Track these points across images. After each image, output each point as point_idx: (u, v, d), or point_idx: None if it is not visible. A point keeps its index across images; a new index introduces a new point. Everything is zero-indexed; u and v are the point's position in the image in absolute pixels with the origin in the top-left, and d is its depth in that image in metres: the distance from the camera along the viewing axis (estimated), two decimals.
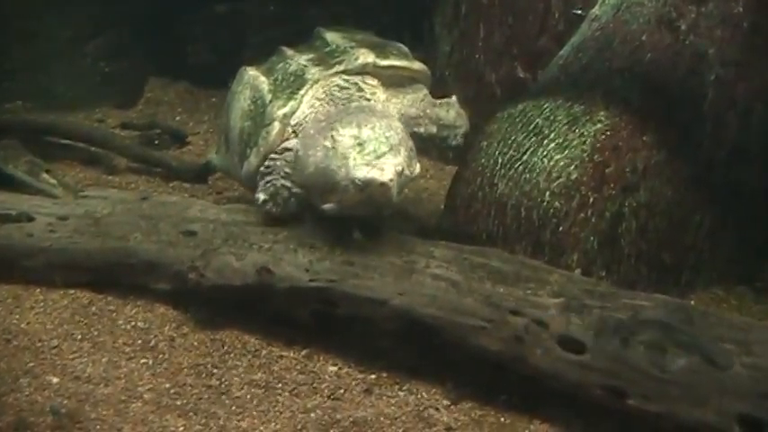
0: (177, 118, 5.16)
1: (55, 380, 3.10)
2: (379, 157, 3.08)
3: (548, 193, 3.44)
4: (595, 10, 3.90)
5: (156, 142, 4.71)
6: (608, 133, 3.55)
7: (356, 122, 3.19)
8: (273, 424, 2.96)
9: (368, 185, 3.03)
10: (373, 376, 3.18)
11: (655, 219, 3.58)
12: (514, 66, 4.69)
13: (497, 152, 3.55)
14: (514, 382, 3.05)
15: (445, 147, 3.74)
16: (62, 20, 5.23)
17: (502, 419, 3.03)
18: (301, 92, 3.45)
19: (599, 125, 3.56)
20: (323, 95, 3.45)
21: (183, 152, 4.75)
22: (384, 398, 3.09)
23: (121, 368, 3.18)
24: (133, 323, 3.40)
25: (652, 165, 3.58)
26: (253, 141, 3.47)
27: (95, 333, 3.35)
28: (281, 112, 3.42)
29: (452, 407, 3.06)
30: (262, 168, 3.41)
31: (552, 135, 3.53)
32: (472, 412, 3.05)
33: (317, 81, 3.47)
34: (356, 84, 3.49)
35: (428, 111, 3.64)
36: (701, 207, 3.69)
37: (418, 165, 3.30)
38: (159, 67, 5.51)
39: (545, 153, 3.49)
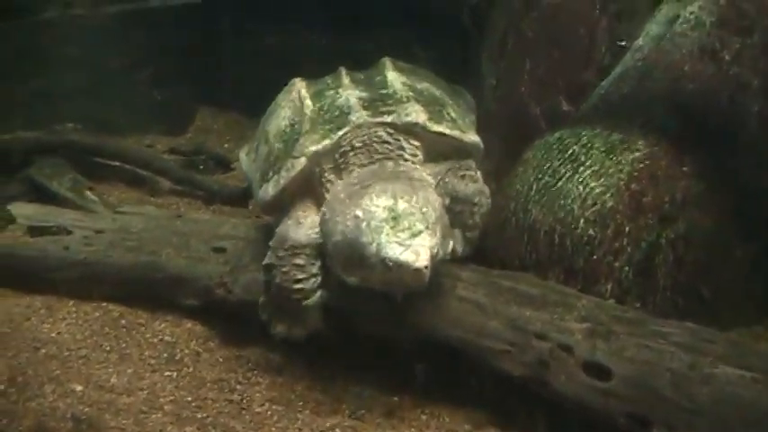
0: (225, 145, 5.20)
1: (79, 388, 3.10)
2: (414, 236, 2.77)
3: (582, 221, 3.37)
4: (639, 41, 3.85)
5: (201, 167, 4.76)
6: (646, 162, 3.46)
7: (392, 192, 2.89)
8: None
9: (399, 269, 2.74)
10: (396, 398, 3.12)
11: (693, 250, 3.48)
12: (559, 99, 4.61)
13: (532, 178, 3.49)
14: (538, 409, 2.97)
15: (459, 224, 3.18)
16: (116, 48, 5.31)
17: None
18: (340, 133, 3.14)
19: (637, 153, 3.48)
20: (360, 144, 3.15)
21: (227, 177, 4.78)
22: (405, 420, 3.03)
23: (145, 379, 3.17)
24: (160, 337, 3.40)
25: (691, 195, 3.48)
26: (277, 167, 3.21)
27: (123, 345, 3.35)
28: (312, 149, 3.14)
29: (474, 431, 2.99)
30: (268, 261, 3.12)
31: (588, 162, 3.46)
32: None
33: (359, 126, 3.15)
34: (399, 141, 3.17)
35: (446, 179, 3.20)
36: (742, 240, 3.59)
37: (451, 243, 3.08)
38: (210, 97, 5.56)
39: (581, 180, 3.42)
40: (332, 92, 3.37)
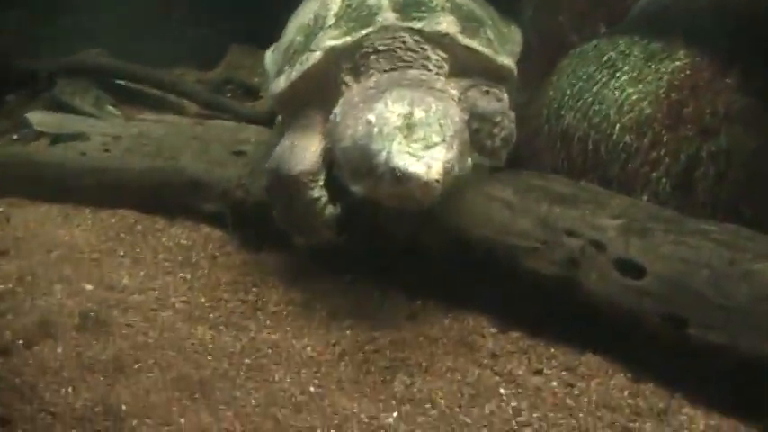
0: (255, 79, 5.05)
1: (89, 287, 3.00)
2: (428, 148, 2.56)
3: (618, 127, 3.18)
4: None
5: (229, 95, 4.61)
6: (687, 72, 3.26)
7: (410, 99, 2.67)
8: (306, 339, 2.78)
9: (409, 180, 2.51)
10: (419, 302, 2.95)
11: (735, 167, 3.26)
12: (599, 27, 4.43)
13: (566, 84, 3.31)
14: (568, 313, 2.78)
15: (477, 145, 2.93)
16: None
17: (551, 350, 2.76)
18: (363, 32, 2.92)
19: (678, 63, 3.28)
20: (384, 48, 2.92)
21: (255, 104, 4.64)
22: (428, 323, 2.86)
23: (158, 280, 3.07)
24: (176, 241, 3.29)
25: (734, 110, 3.26)
26: (294, 60, 3.01)
27: (138, 250, 3.25)
28: (330, 44, 2.93)
29: (500, 335, 2.82)
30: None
31: (626, 68, 3.27)
32: (520, 341, 2.80)
33: (385, 29, 2.92)
34: (425, 50, 2.94)
35: (468, 93, 2.96)
36: None
37: (470, 160, 2.80)
38: (242, 35, 5.42)
39: (617, 86, 3.23)
40: None
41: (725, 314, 2.52)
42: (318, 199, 2.93)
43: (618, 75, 3.26)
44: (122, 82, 4.47)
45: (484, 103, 2.95)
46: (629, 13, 3.74)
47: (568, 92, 3.29)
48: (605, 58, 3.33)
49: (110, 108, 3.84)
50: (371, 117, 2.65)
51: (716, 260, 2.58)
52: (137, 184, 3.38)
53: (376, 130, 2.62)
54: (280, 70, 3.09)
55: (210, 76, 5.00)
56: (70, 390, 2.49)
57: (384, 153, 2.56)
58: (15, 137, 3.68)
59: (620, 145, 3.17)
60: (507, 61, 3.10)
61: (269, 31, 5.38)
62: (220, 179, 3.25)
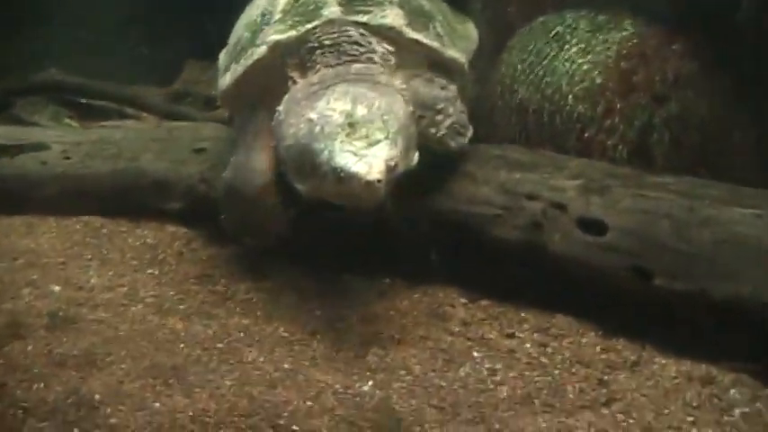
0: (213, 92, 5.02)
1: (57, 288, 2.95)
2: (370, 146, 2.48)
3: (570, 97, 3.20)
4: None
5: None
6: (634, 41, 3.29)
7: (352, 96, 2.61)
8: (277, 322, 2.76)
9: (351, 180, 2.44)
10: (387, 281, 2.94)
11: (689, 132, 3.29)
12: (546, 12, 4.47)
13: (517, 60, 3.34)
14: (535, 278, 2.78)
15: (423, 135, 2.81)
16: (105, 7, 5.20)
17: (522, 315, 2.77)
18: (308, 26, 2.85)
19: (625, 33, 3.32)
20: (329, 42, 2.85)
21: (214, 113, 4.60)
22: (397, 299, 2.85)
23: (126, 277, 3.02)
24: (143, 241, 3.25)
25: (683, 75, 3.30)
26: (239, 57, 2.96)
27: (104, 252, 3.20)
28: (274, 38, 2.87)
29: (470, 304, 2.82)
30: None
31: (574, 41, 3.30)
32: (490, 309, 2.80)
33: (331, 22, 2.86)
34: (370, 44, 2.87)
35: (411, 83, 2.87)
36: (742, 124, 3.40)
37: (417, 154, 2.71)
38: (199, 51, 5.41)
39: (567, 57, 3.26)
40: None
41: (689, 261, 2.53)
42: (276, 205, 2.90)
43: (567, 47, 3.29)
44: (81, 100, 4.42)
45: (426, 90, 2.90)
46: None
47: (519, 67, 3.32)
48: (553, 32, 3.37)
49: (67, 121, 3.81)
50: (313, 115, 2.59)
51: (676, 209, 2.59)
52: (100, 187, 3.34)
53: (318, 128, 2.55)
54: (227, 67, 3.06)
55: (168, 90, 4.97)
56: (42, 385, 2.42)
57: (326, 152, 2.50)
58: None
59: (575, 115, 3.19)
60: (456, 54, 3.03)
61: (222, 46, 5.41)
62: (183, 177, 3.23)
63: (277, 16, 2.96)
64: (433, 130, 2.88)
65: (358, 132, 2.51)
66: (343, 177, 2.45)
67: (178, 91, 4.80)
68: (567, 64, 3.24)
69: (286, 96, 2.80)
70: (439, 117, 2.89)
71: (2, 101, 4.23)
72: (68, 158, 3.40)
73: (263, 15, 3.03)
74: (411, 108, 2.76)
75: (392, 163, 2.49)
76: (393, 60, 2.89)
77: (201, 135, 3.35)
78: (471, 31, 3.49)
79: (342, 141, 2.49)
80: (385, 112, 2.58)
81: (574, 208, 2.70)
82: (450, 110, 2.91)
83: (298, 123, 2.63)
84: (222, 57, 3.34)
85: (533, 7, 4.47)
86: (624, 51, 3.27)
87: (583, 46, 3.28)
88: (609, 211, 2.66)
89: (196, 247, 3.18)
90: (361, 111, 2.55)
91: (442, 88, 2.94)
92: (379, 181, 2.42)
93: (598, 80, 3.21)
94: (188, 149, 3.31)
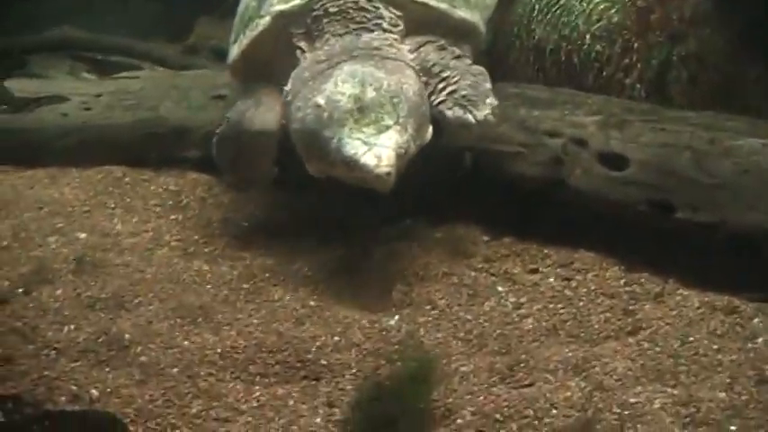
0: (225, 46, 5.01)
1: (82, 235, 2.95)
2: (380, 132, 2.41)
3: (588, 36, 3.17)
4: None
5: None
6: None
7: (360, 77, 2.50)
8: (300, 263, 2.75)
9: (360, 170, 2.39)
10: (408, 221, 2.92)
11: (706, 70, 3.25)
12: None
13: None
14: (556, 214, 2.77)
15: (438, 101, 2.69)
16: None
17: (544, 251, 2.76)
18: None
19: None
20: (335, 10, 2.71)
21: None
22: (420, 238, 2.84)
23: (150, 223, 3.03)
24: (165, 188, 3.24)
25: (700, 14, 3.26)
26: (246, 28, 2.84)
27: (127, 200, 3.20)
28: (278, 8, 2.75)
29: (492, 241, 2.82)
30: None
31: None
32: (513, 246, 2.80)
33: None
34: (378, 9, 2.73)
35: (420, 50, 2.75)
36: (758, 62, 3.36)
37: (431, 129, 2.62)
38: (209, 7, 5.39)
39: None
40: None
41: (710, 192, 2.52)
42: (270, 154, 2.84)
43: None
44: (96, 55, 4.40)
45: (436, 57, 2.73)
46: None
47: (536, 6, 3.28)
48: None
49: (85, 74, 3.80)
50: (321, 100, 2.50)
51: (696, 141, 2.58)
52: (120, 137, 3.33)
53: (326, 114, 2.47)
54: (235, 38, 2.93)
55: (182, 45, 4.95)
56: (72, 327, 2.44)
57: (335, 140, 2.44)
58: None
59: (592, 54, 3.16)
60: (467, 15, 2.84)
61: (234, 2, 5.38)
62: (203, 123, 3.21)
63: None
64: (445, 98, 2.69)
65: (367, 117, 2.44)
66: (352, 166, 2.40)
67: (192, 45, 4.76)
68: (584, 3, 3.21)
69: (293, 74, 2.69)
70: (441, 85, 2.71)
71: (17, 58, 4.18)
72: (88, 109, 3.39)
73: None
74: (422, 80, 2.66)
75: (402, 150, 2.43)
76: (401, 26, 2.77)
77: (219, 82, 3.32)
78: None
79: (351, 128, 2.43)
80: (394, 94, 2.49)
81: (594, 143, 2.69)
82: (461, 81, 2.70)
83: (305, 107, 2.55)
84: (234, 25, 3.27)
85: None
86: None
87: None
88: (629, 146, 2.65)
89: (218, 192, 3.18)
90: (369, 94, 2.47)
91: (456, 57, 2.77)
92: (388, 174, 2.36)
93: (615, 18, 3.18)
94: (207, 96, 3.29)
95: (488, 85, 2.68)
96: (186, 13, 5.30)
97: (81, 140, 3.38)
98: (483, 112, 2.64)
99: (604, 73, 3.16)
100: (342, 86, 2.49)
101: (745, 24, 3.31)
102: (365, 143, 2.40)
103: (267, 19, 2.77)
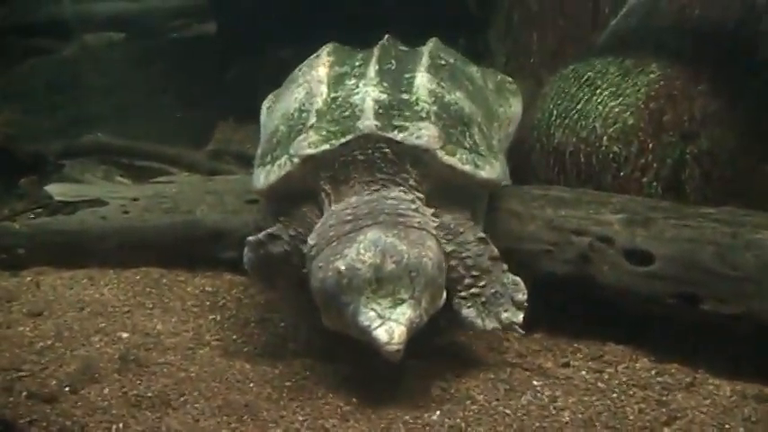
0: (248, 146, 5.11)
1: (125, 335, 2.99)
2: (395, 305, 2.42)
3: (605, 138, 3.28)
4: None
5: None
6: (661, 82, 3.39)
7: (382, 248, 2.48)
8: (339, 362, 2.78)
9: (372, 341, 2.39)
10: (442, 322, 2.95)
11: (719, 166, 3.36)
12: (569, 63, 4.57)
13: (552, 105, 3.42)
14: (584, 308, 2.83)
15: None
16: (140, 76, 5.34)
17: (575, 345, 2.82)
18: (343, 140, 2.69)
19: (651, 75, 3.41)
20: (363, 158, 2.70)
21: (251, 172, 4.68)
22: (454, 336, 2.88)
23: (189, 323, 3.06)
24: (201, 289, 3.29)
25: (710, 113, 3.39)
26: (275, 154, 2.83)
27: (166, 300, 3.25)
28: (308, 152, 2.72)
29: (523, 338, 2.84)
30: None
31: (605, 85, 3.40)
32: (544, 341, 2.85)
33: (366, 137, 2.68)
34: (404, 162, 2.70)
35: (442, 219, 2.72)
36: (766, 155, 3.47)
37: (445, 294, 2.61)
38: (230, 112, 5.54)
39: (599, 101, 3.35)
40: (353, 81, 2.89)
41: (734, 285, 2.58)
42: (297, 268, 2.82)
43: (598, 91, 3.38)
44: (128, 161, 4.52)
45: (473, 251, 2.70)
46: (599, 39, 3.86)
47: (555, 111, 3.39)
48: (584, 77, 3.45)
49: (119, 179, 3.89)
50: (342, 266, 2.49)
51: (719, 236, 2.65)
52: (158, 240, 3.40)
53: (345, 281, 2.47)
54: (263, 159, 2.91)
55: (207, 150, 5.06)
56: (120, 425, 2.45)
57: (351, 307, 2.45)
58: (32, 216, 3.68)
59: (610, 155, 3.27)
60: (491, 174, 2.79)
61: (251, 106, 5.53)
62: (238, 226, 3.28)
63: (312, 120, 2.80)
64: (457, 286, 2.68)
65: (384, 289, 2.44)
66: (365, 335, 2.42)
67: (216, 150, 4.87)
68: (600, 107, 3.32)
69: (317, 228, 2.68)
70: (468, 281, 2.69)
71: (53, 163, 4.30)
72: (127, 213, 3.46)
73: (301, 111, 2.88)
74: (444, 249, 2.65)
75: (415, 324, 2.44)
76: (425, 185, 2.74)
77: (250, 188, 3.39)
78: (514, 104, 3.41)
79: (367, 297, 2.44)
80: (413, 268, 2.47)
81: (620, 240, 2.75)
82: (484, 283, 2.68)
83: (327, 269, 2.54)
84: (265, 113, 3.36)
85: (555, 59, 4.60)
86: (653, 93, 3.36)
87: (614, 89, 3.36)
88: (654, 242, 2.71)
89: (253, 292, 3.23)
90: (389, 266, 2.46)
91: (493, 258, 2.70)
92: (398, 351, 2.37)
93: (630, 121, 3.29)
94: (240, 201, 3.37)
95: (521, 296, 2.67)
96: (205, 118, 5.49)
97: (120, 243, 3.44)
98: (493, 324, 2.66)
99: (622, 173, 3.26)
100: (364, 255, 2.49)
101: (752, 120, 3.43)
102: (380, 316, 2.41)
103: (296, 161, 2.74)
